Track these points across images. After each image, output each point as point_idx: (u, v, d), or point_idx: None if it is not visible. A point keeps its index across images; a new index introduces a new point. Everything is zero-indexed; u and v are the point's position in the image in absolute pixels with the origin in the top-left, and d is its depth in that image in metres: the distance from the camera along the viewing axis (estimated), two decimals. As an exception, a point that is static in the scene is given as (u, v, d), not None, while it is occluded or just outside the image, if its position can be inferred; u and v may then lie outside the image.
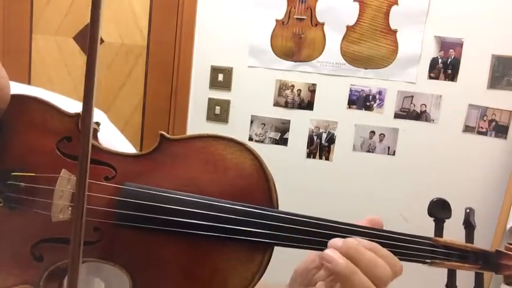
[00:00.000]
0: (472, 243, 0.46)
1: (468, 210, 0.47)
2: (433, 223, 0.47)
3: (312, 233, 0.43)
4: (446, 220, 0.47)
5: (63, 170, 0.46)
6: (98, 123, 0.52)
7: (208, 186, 0.45)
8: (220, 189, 0.44)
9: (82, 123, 0.33)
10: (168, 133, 0.47)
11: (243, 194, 0.44)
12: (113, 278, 0.59)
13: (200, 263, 0.43)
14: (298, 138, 1.89)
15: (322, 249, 0.43)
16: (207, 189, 0.44)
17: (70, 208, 0.45)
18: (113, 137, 0.61)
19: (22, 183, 0.46)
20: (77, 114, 0.49)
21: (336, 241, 0.42)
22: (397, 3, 1.75)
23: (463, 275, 0.46)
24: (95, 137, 0.51)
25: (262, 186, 0.44)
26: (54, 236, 0.45)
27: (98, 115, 0.63)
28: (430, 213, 0.47)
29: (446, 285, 0.46)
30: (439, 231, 0.46)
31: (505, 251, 0.45)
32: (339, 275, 0.40)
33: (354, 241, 0.41)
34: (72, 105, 0.52)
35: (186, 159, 0.46)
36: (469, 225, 0.46)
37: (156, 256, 0.44)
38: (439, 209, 0.47)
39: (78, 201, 0.32)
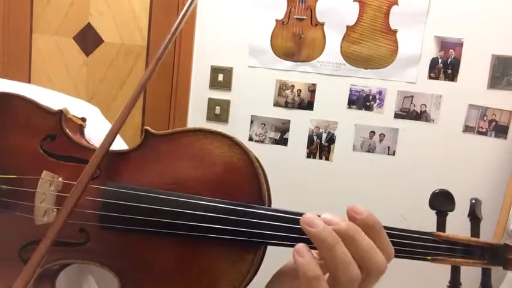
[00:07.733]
0: (478, 236, 0.42)
1: (474, 201, 0.43)
2: (435, 223, 0.44)
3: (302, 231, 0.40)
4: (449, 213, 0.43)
5: (44, 171, 0.43)
6: (83, 119, 0.50)
7: (195, 183, 0.43)
8: (207, 185, 0.42)
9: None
10: None
11: (231, 190, 0.42)
12: (105, 276, 0.59)
13: (187, 264, 0.42)
14: (298, 138, 1.89)
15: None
16: (194, 186, 0.42)
17: (55, 211, 0.43)
18: (103, 133, 0.60)
19: (4, 186, 0.44)
20: (60, 111, 0.47)
21: (326, 216, 0.37)
22: (397, 3, 1.75)
23: (468, 270, 0.43)
24: (81, 134, 0.50)
25: (250, 181, 0.42)
26: (41, 239, 0.43)
27: (89, 110, 0.62)
28: (432, 206, 0.43)
29: (450, 283, 0.42)
30: (441, 225, 0.43)
31: None
32: (321, 242, 0.35)
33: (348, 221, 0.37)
34: (67, 102, 0.51)
35: (172, 155, 0.44)
36: (474, 217, 0.42)
37: (143, 257, 0.43)
38: (442, 201, 0.43)
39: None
